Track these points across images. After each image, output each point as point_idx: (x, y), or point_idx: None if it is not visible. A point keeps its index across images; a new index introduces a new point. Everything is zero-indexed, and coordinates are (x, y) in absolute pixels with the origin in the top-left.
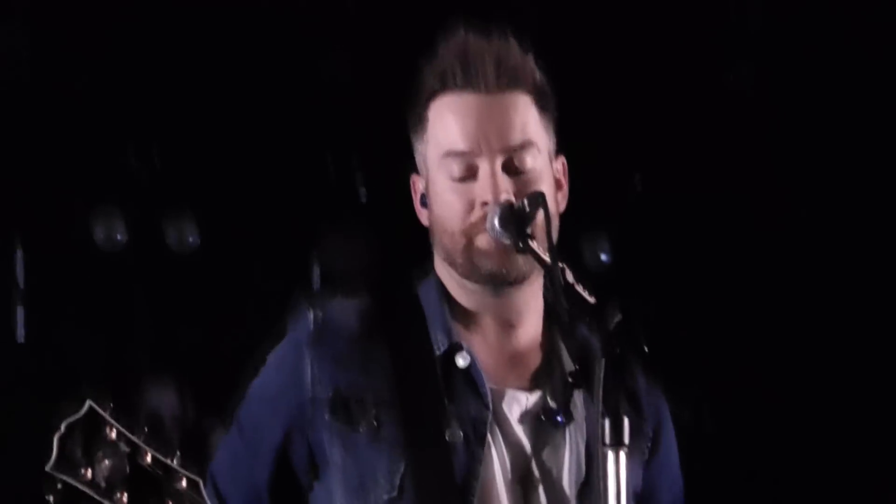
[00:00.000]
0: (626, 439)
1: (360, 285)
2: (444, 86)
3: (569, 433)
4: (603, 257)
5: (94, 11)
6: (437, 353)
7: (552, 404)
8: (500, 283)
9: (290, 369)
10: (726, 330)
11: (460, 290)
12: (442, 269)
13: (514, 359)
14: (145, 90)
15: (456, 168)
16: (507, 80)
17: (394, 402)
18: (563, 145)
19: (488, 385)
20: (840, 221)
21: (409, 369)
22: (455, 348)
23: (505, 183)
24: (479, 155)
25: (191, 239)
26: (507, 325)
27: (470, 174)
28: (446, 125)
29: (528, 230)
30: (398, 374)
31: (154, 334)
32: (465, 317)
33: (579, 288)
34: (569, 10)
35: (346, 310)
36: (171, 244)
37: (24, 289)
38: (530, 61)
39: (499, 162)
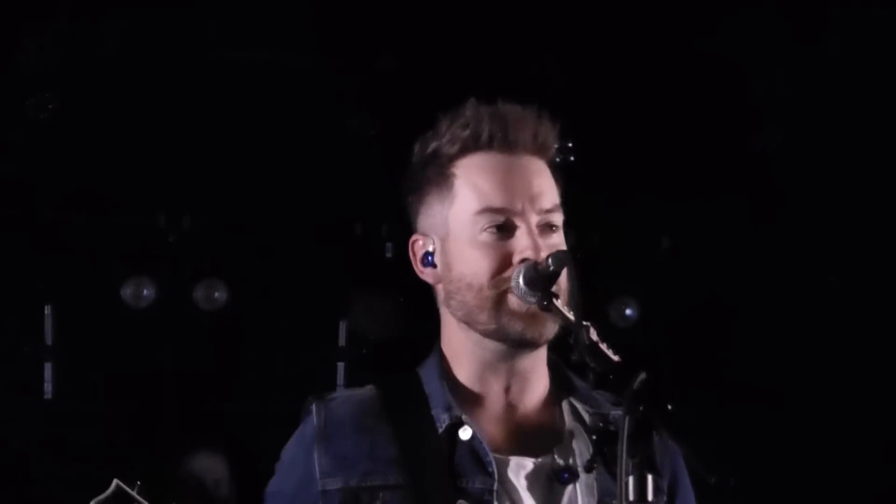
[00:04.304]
0: (651, 497)
1: (369, 377)
2: (476, 145)
3: (579, 491)
4: (628, 312)
5: (123, 80)
6: (440, 430)
7: (560, 462)
8: (527, 345)
9: (302, 467)
10: (751, 389)
11: (468, 355)
12: (452, 331)
13: (521, 425)
14: (177, 150)
15: (491, 224)
16: (541, 146)
17: (399, 484)
18: (594, 208)
19: (492, 455)
20: (869, 286)
21: (413, 450)
22: (456, 423)
23: (541, 242)
24: (516, 213)
25: (218, 295)
26: (514, 389)
27: (505, 231)
28: (481, 182)
29: (553, 289)
30: (403, 457)
31: (181, 393)
32: (465, 390)
33: (604, 346)
34: (595, 75)
35: (350, 402)
36: (199, 302)
37: (51, 345)
38: (556, 131)
39: (535, 220)
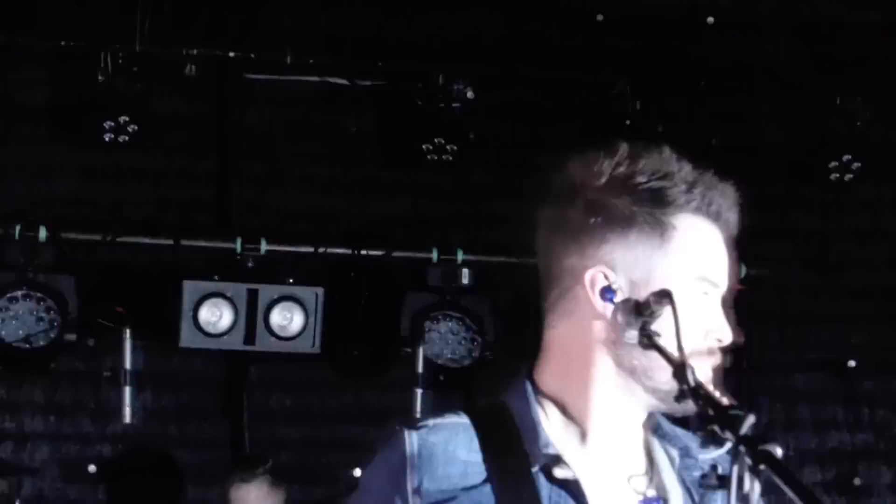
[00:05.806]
0: None
1: (459, 405)
2: (701, 209)
3: None
4: None
5: (193, 105)
6: (534, 468)
7: (652, 494)
8: (679, 405)
9: (391, 495)
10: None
11: (600, 400)
12: (595, 370)
13: (617, 464)
14: (254, 175)
15: (703, 293)
16: (734, 231)
17: None
18: None
19: (587, 496)
20: None
21: (506, 486)
22: (552, 461)
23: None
24: (721, 292)
25: (294, 320)
26: (622, 431)
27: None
28: (705, 251)
29: (653, 327)
30: (496, 492)
31: (257, 416)
32: (566, 426)
33: (709, 388)
34: (673, 101)
35: (442, 430)
36: (275, 327)
37: (130, 369)
38: None
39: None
